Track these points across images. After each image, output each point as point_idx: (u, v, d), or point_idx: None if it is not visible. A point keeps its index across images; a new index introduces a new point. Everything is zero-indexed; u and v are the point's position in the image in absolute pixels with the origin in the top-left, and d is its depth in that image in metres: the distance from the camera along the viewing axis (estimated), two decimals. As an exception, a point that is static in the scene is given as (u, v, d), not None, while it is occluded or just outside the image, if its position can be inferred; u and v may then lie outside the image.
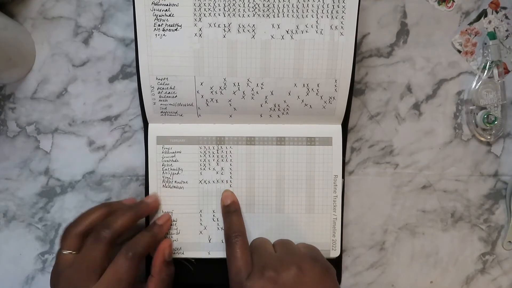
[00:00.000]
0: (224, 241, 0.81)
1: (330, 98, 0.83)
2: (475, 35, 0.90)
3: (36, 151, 0.89)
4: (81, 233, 0.77)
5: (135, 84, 0.87)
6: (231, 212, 0.82)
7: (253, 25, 0.79)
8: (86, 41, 0.87)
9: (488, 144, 0.93)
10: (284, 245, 0.78)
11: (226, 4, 0.79)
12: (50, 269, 0.88)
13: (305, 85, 0.82)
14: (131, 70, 0.88)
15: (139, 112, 0.87)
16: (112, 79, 0.88)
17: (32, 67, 0.87)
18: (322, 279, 0.72)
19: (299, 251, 0.76)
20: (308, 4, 0.79)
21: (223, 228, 0.84)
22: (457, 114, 0.92)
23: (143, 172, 0.89)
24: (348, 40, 0.80)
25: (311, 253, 0.76)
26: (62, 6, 0.86)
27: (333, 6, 0.79)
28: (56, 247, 0.92)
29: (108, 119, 0.89)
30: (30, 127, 0.89)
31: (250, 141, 0.85)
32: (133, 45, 0.87)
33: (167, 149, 0.85)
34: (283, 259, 0.73)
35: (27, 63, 0.87)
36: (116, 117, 0.89)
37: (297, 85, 0.82)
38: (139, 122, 0.89)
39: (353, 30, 0.80)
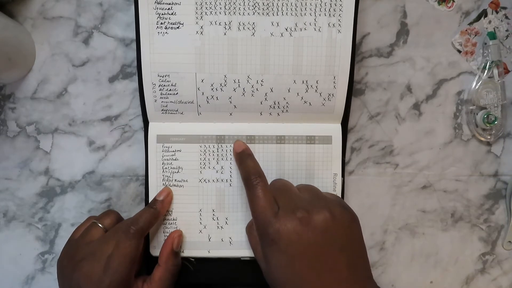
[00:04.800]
0: (244, 185, 0.79)
1: (329, 95, 0.83)
2: (475, 35, 0.91)
3: (36, 151, 0.89)
4: (119, 220, 0.85)
5: (135, 84, 0.88)
6: (245, 157, 0.82)
7: (253, 23, 0.80)
8: (86, 41, 0.87)
9: (488, 144, 0.93)
10: (310, 189, 0.78)
11: (227, 3, 0.80)
12: (50, 269, 0.89)
13: (304, 82, 0.82)
14: (131, 70, 0.88)
15: (139, 112, 0.87)
16: (112, 79, 0.88)
17: (32, 67, 0.87)
18: (350, 226, 0.72)
19: (327, 197, 0.76)
20: (306, 3, 0.80)
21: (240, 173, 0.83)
22: (457, 114, 0.92)
23: (143, 172, 0.89)
24: (346, 38, 0.81)
25: (339, 200, 0.77)
26: (62, 6, 0.86)
27: (330, 4, 0.80)
28: (56, 247, 0.92)
29: (108, 119, 0.89)
30: (30, 127, 0.89)
31: (250, 139, 0.85)
32: (133, 45, 0.87)
33: (167, 148, 0.85)
34: (314, 202, 0.73)
35: (27, 63, 0.87)
36: (116, 117, 0.89)
37: (297, 81, 0.82)
38: (139, 122, 0.89)
39: (351, 28, 0.81)
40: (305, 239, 0.68)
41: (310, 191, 0.77)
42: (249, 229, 0.83)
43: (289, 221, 0.69)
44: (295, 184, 0.80)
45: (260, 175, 0.77)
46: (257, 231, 0.74)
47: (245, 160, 0.82)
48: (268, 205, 0.72)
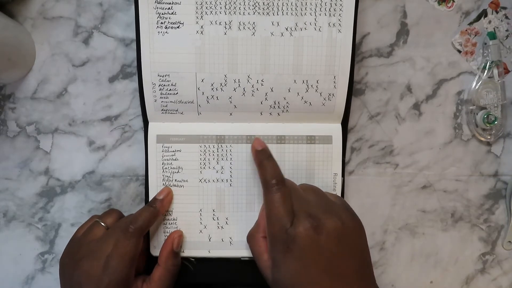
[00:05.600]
0: (262, 187, 0.78)
1: (329, 95, 0.83)
2: (475, 35, 0.91)
3: (36, 151, 0.89)
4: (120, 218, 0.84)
5: (135, 84, 0.88)
6: (265, 158, 0.81)
7: (253, 23, 0.80)
8: (86, 41, 0.87)
9: (488, 144, 0.93)
10: (315, 191, 0.78)
11: (227, 3, 0.80)
12: (50, 269, 0.89)
13: (305, 82, 0.82)
14: (131, 70, 0.88)
15: (139, 112, 0.87)
16: (112, 79, 0.88)
17: (32, 67, 0.87)
18: (359, 233, 0.74)
19: (333, 201, 0.76)
20: (306, 2, 0.80)
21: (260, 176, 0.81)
22: (457, 114, 0.92)
23: (143, 172, 0.89)
24: (346, 38, 0.82)
25: (343, 204, 0.77)
26: (62, 6, 0.86)
27: (330, 4, 0.80)
28: (56, 247, 0.92)
29: (108, 119, 0.89)
30: (30, 127, 0.89)
31: (250, 139, 0.85)
32: (133, 45, 0.87)
33: (167, 148, 0.85)
34: (322, 207, 0.73)
35: (27, 63, 0.87)
36: (116, 117, 0.89)
37: (297, 81, 0.82)
38: (139, 122, 0.89)
39: (351, 27, 0.82)
40: (318, 246, 0.69)
41: (314, 193, 0.77)
42: (251, 238, 0.83)
43: (304, 229, 0.69)
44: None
45: (282, 180, 0.77)
46: (270, 237, 0.74)
47: (264, 162, 0.80)
48: (286, 213, 0.72)
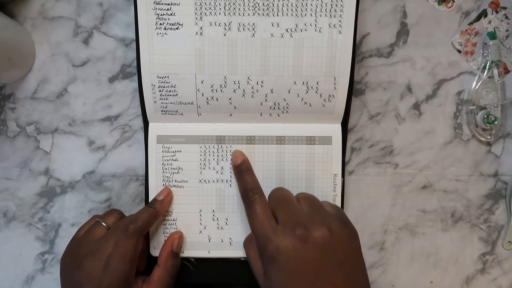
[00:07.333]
0: (242, 201, 0.80)
1: (330, 96, 0.83)
2: (475, 35, 0.90)
3: (36, 151, 0.89)
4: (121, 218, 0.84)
5: (135, 84, 0.88)
6: (243, 172, 0.82)
7: (253, 24, 0.80)
8: (86, 41, 0.87)
9: (488, 144, 0.93)
10: (310, 200, 0.77)
11: (227, 3, 0.80)
12: (50, 269, 0.89)
13: (305, 83, 0.82)
14: (131, 70, 0.88)
15: (139, 112, 0.88)
16: (112, 79, 0.88)
17: (32, 67, 0.87)
18: (349, 243, 0.72)
19: (326, 210, 0.75)
20: (307, 3, 0.80)
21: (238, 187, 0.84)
22: (457, 114, 0.92)
23: (143, 172, 0.89)
24: (347, 39, 0.81)
25: (338, 214, 0.76)
26: (62, 6, 0.86)
27: (331, 5, 0.80)
28: (56, 247, 0.92)
29: (108, 119, 0.89)
30: (30, 127, 0.89)
31: (250, 140, 0.85)
32: (133, 45, 0.87)
33: (167, 148, 0.85)
34: (313, 217, 0.72)
35: (27, 63, 0.87)
36: (116, 117, 0.89)
37: (297, 83, 0.82)
38: (139, 122, 0.89)
39: (351, 28, 0.81)
40: (303, 256, 0.68)
41: (310, 202, 0.77)
42: (247, 243, 0.84)
43: (288, 238, 0.69)
44: (295, 190, 0.80)
45: (258, 190, 0.78)
46: (258, 247, 0.74)
47: (242, 174, 0.82)
48: (266, 221, 0.73)
